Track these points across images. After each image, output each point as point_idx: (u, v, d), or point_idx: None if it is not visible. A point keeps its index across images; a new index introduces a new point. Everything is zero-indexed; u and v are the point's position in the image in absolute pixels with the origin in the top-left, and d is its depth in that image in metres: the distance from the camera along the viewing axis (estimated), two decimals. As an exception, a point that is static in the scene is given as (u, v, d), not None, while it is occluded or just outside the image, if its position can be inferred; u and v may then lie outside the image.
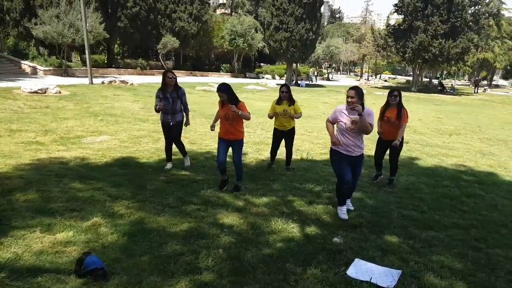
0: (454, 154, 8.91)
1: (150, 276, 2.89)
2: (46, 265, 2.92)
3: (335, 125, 4.34)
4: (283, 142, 6.29)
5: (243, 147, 5.25)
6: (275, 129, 6.25)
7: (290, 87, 6.35)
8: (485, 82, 50.42)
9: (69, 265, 2.95)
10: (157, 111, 5.52)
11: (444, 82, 44.79)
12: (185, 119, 5.90)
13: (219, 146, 5.03)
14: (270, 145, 6.44)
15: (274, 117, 6.11)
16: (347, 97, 4.02)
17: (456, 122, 15.97)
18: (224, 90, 4.73)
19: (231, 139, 4.94)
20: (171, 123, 5.69)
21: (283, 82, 32.05)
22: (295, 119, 6.11)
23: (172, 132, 5.81)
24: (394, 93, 5.46)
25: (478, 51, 36.51)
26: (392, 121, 5.45)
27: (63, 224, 3.63)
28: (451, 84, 41.24)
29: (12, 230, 3.43)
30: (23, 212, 3.83)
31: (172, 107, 5.60)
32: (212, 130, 5.16)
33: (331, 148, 4.35)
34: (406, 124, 5.45)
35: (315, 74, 38.68)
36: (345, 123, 4.11)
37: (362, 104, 3.99)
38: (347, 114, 4.11)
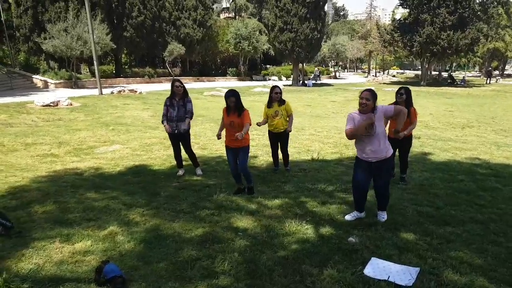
0: (468, 147, 8.77)
1: (168, 282, 2.93)
2: (67, 275, 2.99)
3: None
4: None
5: (251, 151, 5.23)
6: (269, 132, 6.19)
7: (298, 87, 6.34)
8: (497, 72, 49.50)
9: (89, 274, 3.01)
10: (162, 121, 5.78)
11: (454, 74, 44.17)
12: (186, 124, 5.79)
13: (229, 156, 5.07)
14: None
15: (265, 123, 6.08)
16: (361, 98, 3.84)
17: (468, 114, 15.72)
18: (234, 95, 4.77)
19: (237, 146, 4.93)
20: (175, 131, 5.74)
21: (289, 82, 32.04)
22: (286, 120, 6.05)
23: (181, 142, 5.87)
24: (401, 91, 5.44)
25: (488, 41, 35.96)
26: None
27: (81, 234, 3.70)
28: (462, 76, 40.60)
29: (33, 241, 3.51)
30: (42, 223, 3.92)
31: (177, 114, 5.67)
32: (218, 138, 5.10)
33: (356, 156, 4.21)
34: (416, 122, 5.42)
35: (317, 73, 38.03)
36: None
37: (374, 108, 3.85)
38: (360, 118, 3.90)
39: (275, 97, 5.96)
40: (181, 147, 5.96)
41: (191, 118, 5.83)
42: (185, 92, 5.73)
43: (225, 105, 4.97)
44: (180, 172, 6.00)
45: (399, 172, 5.80)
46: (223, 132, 5.10)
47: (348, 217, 4.22)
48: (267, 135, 6.37)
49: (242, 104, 4.90)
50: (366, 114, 3.86)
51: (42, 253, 3.30)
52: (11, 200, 4.59)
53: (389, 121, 5.62)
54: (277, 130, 6.06)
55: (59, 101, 13.91)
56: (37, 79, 22.29)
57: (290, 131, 6.13)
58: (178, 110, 5.66)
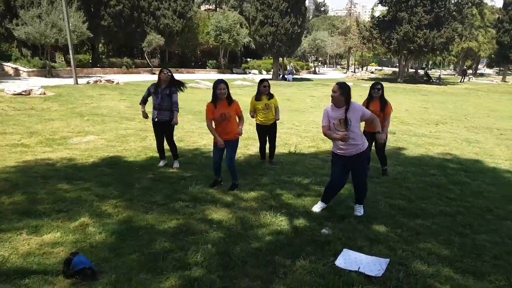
0: (440, 143, 9.04)
1: (139, 274, 2.89)
2: (34, 267, 2.89)
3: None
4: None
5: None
6: (257, 125, 6.22)
7: (278, 81, 6.41)
8: (470, 71, 51.14)
9: (57, 266, 2.93)
10: (141, 102, 5.83)
11: (430, 72, 45.31)
12: (174, 118, 5.73)
13: (215, 149, 4.88)
14: (258, 140, 6.43)
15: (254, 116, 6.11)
16: (331, 91, 3.94)
17: (442, 111, 16.20)
18: (225, 83, 4.71)
19: (227, 139, 4.80)
20: (156, 119, 5.65)
21: (269, 77, 32.04)
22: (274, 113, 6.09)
23: (164, 132, 5.78)
24: (377, 86, 5.53)
25: (462, 41, 37.10)
26: (377, 114, 5.47)
27: (50, 225, 3.59)
28: (438, 74, 41.72)
29: (-2, 233, 3.38)
30: (9, 214, 3.78)
31: (159, 103, 5.55)
32: (221, 145, 4.78)
33: (332, 150, 4.26)
34: (390, 116, 5.53)
35: (291, 69, 35.75)
36: (333, 123, 3.99)
37: (347, 99, 3.90)
38: (332, 112, 3.98)
39: (263, 90, 5.98)
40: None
41: (177, 110, 5.74)
42: (172, 82, 5.62)
43: (211, 100, 4.74)
44: (161, 163, 5.92)
45: (377, 168, 5.92)
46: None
47: (316, 209, 4.28)
48: (255, 128, 6.35)
49: (230, 94, 4.82)
50: (339, 108, 3.92)
51: (8, 245, 3.18)
52: (-24, 191, 4.40)
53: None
54: (267, 123, 6.08)
55: (31, 89, 13.39)
56: (8, 66, 21.36)
57: (279, 119, 6.17)
58: (162, 98, 5.54)
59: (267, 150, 6.33)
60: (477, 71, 55.29)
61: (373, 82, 6.04)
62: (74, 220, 3.73)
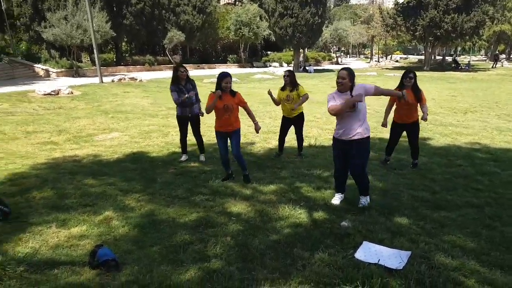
0: (469, 132, 8.71)
1: (161, 266, 2.97)
2: (62, 258, 3.04)
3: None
4: (292, 129, 6.27)
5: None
6: (283, 117, 6.24)
7: (299, 73, 6.35)
8: (503, 56, 48.72)
9: (83, 257, 3.06)
10: (180, 102, 5.62)
11: (459, 58, 43.57)
12: (200, 109, 5.92)
13: (220, 142, 4.91)
14: (278, 134, 6.43)
15: (280, 104, 6.10)
16: (338, 77, 3.87)
17: (471, 99, 15.57)
18: (231, 76, 4.72)
19: (229, 130, 4.82)
20: (189, 115, 5.78)
21: (290, 69, 31.76)
22: (302, 105, 6.05)
23: (191, 125, 5.92)
24: (410, 75, 5.27)
25: (494, 24, 35.33)
26: (410, 104, 5.30)
27: (77, 219, 3.74)
28: (468, 61, 40.03)
29: (30, 226, 3.56)
30: (40, 209, 3.98)
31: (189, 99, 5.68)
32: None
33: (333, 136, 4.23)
34: (426, 102, 5.38)
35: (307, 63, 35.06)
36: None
37: (352, 86, 3.86)
38: (338, 97, 3.92)
39: (285, 81, 5.96)
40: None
41: (200, 101, 5.86)
42: (188, 77, 5.74)
43: (215, 90, 4.69)
44: (183, 158, 6.05)
45: (398, 159, 5.79)
46: (212, 115, 4.85)
47: (335, 201, 4.24)
48: (279, 120, 6.36)
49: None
50: (344, 92, 3.88)
51: (39, 238, 3.35)
52: (10, 187, 4.64)
53: (394, 107, 5.57)
54: (290, 115, 6.07)
55: (60, 89, 13.92)
56: (39, 68, 22.25)
57: (295, 108, 6.00)
58: (188, 93, 5.67)
59: (285, 143, 6.31)
60: (511, 56, 52.59)
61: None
62: (99, 214, 3.87)
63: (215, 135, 6.05)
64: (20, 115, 10.14)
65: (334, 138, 4.16)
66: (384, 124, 5.76)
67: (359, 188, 4.18)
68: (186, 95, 5.60)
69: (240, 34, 32.16)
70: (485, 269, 2.95)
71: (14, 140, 7.40)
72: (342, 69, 3.94)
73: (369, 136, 4.02)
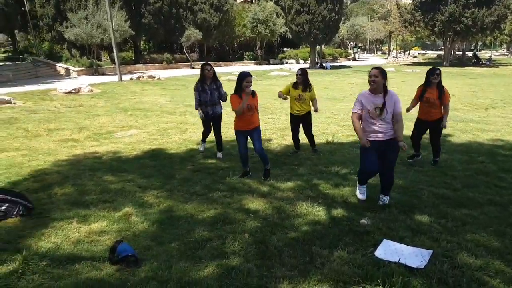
0: (490, 128, 8.46)
1: (179, 262, 2.99)
2: (83, 253, 3.09)
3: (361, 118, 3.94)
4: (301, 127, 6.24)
5: (265, 134, 5.17)
6: (291, 115, 6.21)
7: (316, 70, 6.31)
8: (526, 50, 47.13)
9: (103, 253, 3.11)
10: (196, 108, 5.89)
11: (479, 53, 42.35)
12: (222, 110, 6.04)
13: (240, 140, 4.94)
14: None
15: (284, 99, 6.09)
16: (370, 76, 3.75)
17: (493, 95, 15.12)
18: (250, 75, 4.73)
19: (251, 128, 4.86)
20: (211, 115, 5.84)
21: (307, 65, 31.55)
22: (310, 104, 6.02)
23: (213, 124, 6.01)
24: (437, 72, 5.18)
25: (517, 18, 34.11)
26: (432, 102, 5.22)
27: (97, 215, 3.81)
28: (489, 56, 38.85)
29: (52, 221, 3.65)
30: (61, 205, 4.07)
31: (211, 99, 5.75)
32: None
33: None
34: (449, 104, 5.29)
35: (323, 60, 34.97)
36: (368, 110, 3.82)
37: (385, 85, 3.77)
38: (367, 100, 3.80)
39: (298, 79, 5.92)
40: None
41: (225, 101, 5.92)
42: (215, 75, 5.79)
43: (235, 91, 4.72)
44: (201, 148, 6.26)
45: (424, 156, 5.68)
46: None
47: (361, 196, 4.13)
48: (289, 118, 6.35)
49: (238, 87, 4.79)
50: (377, 94, 3.77)
51: (60, 233, 3.43)
52: (33, 183, 4.77)
53: (418, 104, 5.45)
54: (298, 113, 6.06)
55: (80, 88, 14.24)
56: (60, 67, 22.83)
57: (317, 110, 6.11)
58: (211, 94, 5.74)
59: (301, 140, 6.28)
60: (535, 50, 50.77)
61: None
62: (119, 210, 3.93)
63: (233, 133, 6.09)
64: (42, 113, 10.41)
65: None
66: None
67: (384, 186, 4.09)
68: (200, 112, 5.84)
69: (257, 31, 32.15)
70: (511, 269, 2.85)
71: (37, 137, 7.60)
72: (374, 68, 3.83)
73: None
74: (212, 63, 5.96)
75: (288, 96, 6.04)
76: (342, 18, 36.29)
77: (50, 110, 10.94)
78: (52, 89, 14.58)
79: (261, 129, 5.06)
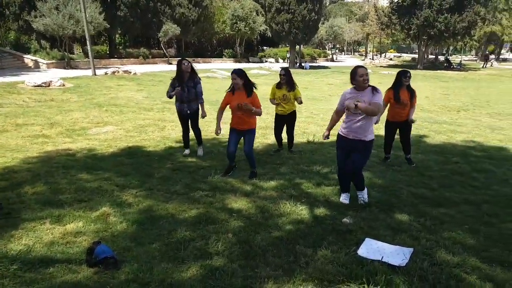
0: (462, 130, 8.78)
1: (161, 263, 2.90)
2: (58, 256, 2.94)
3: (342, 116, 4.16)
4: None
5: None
6: (276, 114, 6.21)
7: (295, 70, 6.31)
8: (492, 56, 49.25)
9: (80, 255, 2.97)
10: (169, 97, 5.59)
11: (451, 58, 43.92)
12: (200, 109, 5.81)
13: (231, 136, 4.91)
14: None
15: (277, 104, 6.04)
16: (361, 76, 3.78)
17: (464, 98, 15.72)
18: (239, 73, 4.64)
19: (244, 129, 4.83)
20: (188, 111, 5.70)
21: (286, 65, 31.71)
22: (295, 103, 6.01)
23: (191, 120, 5.85)
24: (409, 74, 5.39)
25: (485, 24, 35.65)
26: (405, 103, 5.38)
27: (73, 215, 3.64)
28: (459, 60, 40.35)
29: (23, 222, 3.45)
30: (32, 204, 3.86)
31: (187, 96, 5.59)
32: (217, 134, 5.00)
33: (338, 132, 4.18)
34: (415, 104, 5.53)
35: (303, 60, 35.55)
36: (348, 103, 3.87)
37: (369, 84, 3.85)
38: (355, 96, 3.86)
39: (282, 79, 5.89)
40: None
41: (203, 101, 5.81)
42: (193, 71, 5.62)
43: (229, 88, 4.80)
44: (187, 152, 6.01)
45: (397, 156, 5.80)
46: (228, 115, 4.93)
47: (345, 201, 4.16)
48: (274, 117, 6.33)
49: (252, 84, 4.73)
50: (362, 91, 3.83)
51: (32, 234, 3.25)
52: (0, 181, 4.51)
53: (388, 106, 5.57)
54: (283, 113, 6.04)
55: (51, 81, 13.64)
56: (28, 58, 21.79)
57: (301, 102, 6.04)
58: (188, 91, 5.58)
59: (284, 139, 6.28)
60: (500, 56, 53.14)
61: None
62: (96, 210, 3.78)
63: (212, 131, 6.00)
64: (9, 107, 9.90)
65: (338, 135, 4.13)
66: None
67: (355, 183, 4.17)
68: (173, 92, 5.47)
69: (236, 28, 31.95)
70: (486, 265, 2.94)
71: (3, 133, 7.21)
72: (360, 66, 3.88)
73: (372, 140, 3.99)
74: (190, 59, 5.75)
75: (279, 101, 5.98)
76: (322, 19, 36.65)
77: (18, 104, 10.42)
78: (20, 82, 13.89)
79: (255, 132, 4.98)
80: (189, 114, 5.74)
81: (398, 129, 5.68)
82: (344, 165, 4.09)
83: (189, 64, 5.57)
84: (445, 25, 29.95)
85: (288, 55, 35.76)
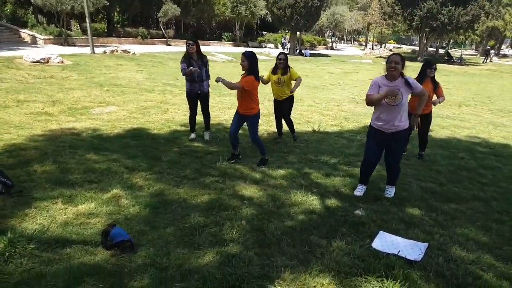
0: (466, 125, 8.80)
1: (177, 248, 2.89)
2: (73, 237, 2.92)
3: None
4: None
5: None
6: (274, 100, 6.17)
7: (295, 56, 6.23)
8: (492, 51, 49.23)
9: (95, 236, 2.94)
10: (185, 74, 5.44)
11: (451, 51, 43.81)
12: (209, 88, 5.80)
13: (233, 118, 4.93)
14: None
15: (266, 84, 5.99)
16: (390, 62, 3.64)
17: (464, 93, 15.74)
18: (248, 55, 4.56)
19: (243, 113, 4.77)
20: (198, 92, 5.61)
21: (286, 51, 31.39)
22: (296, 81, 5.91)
23: (201, 103, 5.77)
24: (434, 67, 5.30)
25: (489, 19, 35.46)
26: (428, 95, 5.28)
27: (84, 196, 3.60)
28: (460, 54, 40.25)
29: (35, 201, 3.41)
30: (43, 183, 3.81)
31: (198, 74, 5.51)
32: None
33: (370, 123, 4.06)
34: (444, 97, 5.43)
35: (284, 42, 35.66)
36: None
37: (402, 74, 3.73)
38: (386, 85, 3.71)
39: (279, 64, 5.81)
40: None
41: (209, 78, 5.76)
42: (199, 51, 5.54)
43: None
44: (192, 136, 5.93)
45: (409, 149, 5.78)
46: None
47: (357, 193, 4.14)
48: (272, 103, 6.29)
49: (256, 70, 4.63)
50: (394, 80, 3.71)
51: (46, 214, 3.21)
52: (8, 158, 4.42)
53: (409, 96, 5.50)
54: (280, 98, 5.99)
55: (49, 58, 13.33)
56: (25, 33, 21.26)
57: (293, 92, 5.95)
58: (199, 69, 5.49)
59: (285, 128, 6.26)
60: (500, 52, 53.13)
61: (426, 60, 5.81)
62: (107, 192, 3.74)
63: (216, 115, 5.91)
64: (8, 82, 9.68)
65: (372, 128, 3.96)
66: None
67: (390, 178, 4.14)
68: (192, 68, 5.35)
69: (237, 11, 31.45)
70: (501, 263, 2.97)
71: (5, 109, 7.07)
72: (394, 54, 3.76)
73: (409, 127, 3.92)
74: (196, 40, 5.60)
75: (274, 84, 5.91)
76: (323, 6, 36.17)
77: (17, 79, 10.20)
78: (18, 56, 13.56)
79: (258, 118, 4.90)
80: (199, 94, 5.64)
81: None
82: (374, 157, 4.00)
83: (194, 44, 5.45)
84: (449, 18, 29.72)
85: (283, 41, 35.53)
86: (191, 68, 5.36)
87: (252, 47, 34.48)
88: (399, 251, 2.94)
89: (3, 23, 21.93)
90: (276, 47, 36.47)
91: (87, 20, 17.85)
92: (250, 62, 4.54)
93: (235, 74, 4.87)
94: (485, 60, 37.75)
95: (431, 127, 8.11)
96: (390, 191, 4.15)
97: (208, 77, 5.73)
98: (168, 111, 7.91)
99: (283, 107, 6.09)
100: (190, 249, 2.89)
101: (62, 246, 2.76)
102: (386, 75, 3.77)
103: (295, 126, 6.32)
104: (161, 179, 4.19)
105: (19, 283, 2.34)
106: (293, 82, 5.90)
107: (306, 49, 33.70)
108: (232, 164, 4.85)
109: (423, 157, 5.71)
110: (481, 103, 13.25)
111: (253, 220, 3.40)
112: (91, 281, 2.41)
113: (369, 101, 3.78)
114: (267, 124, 7.31)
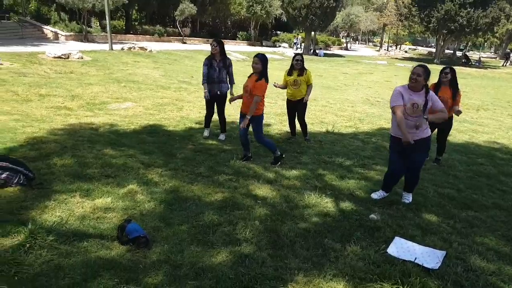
0: (484, 130, 8.62)
1: (191, 246, 2.90)
2: (90, 230, 2.96)
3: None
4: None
5: (263, 121, 4.94)
6: (287, 100, 6.16)
7: (309, 56, 6.22)
8: (512, 55, 48.09)
9: (111, 231, 2.98)
10: (204, 82, 5.57)
11: (468, 54, 42.94)
12: (229, 90, 5.78)
13: (240, 119, 4.89)
14: None
15: (284, 88, 6.05)
16: (412, 74, 3.61)
17: (483, 96, 15.41)
18: (262, 58, 4.56)
19: (245, 113, 4.72)
20: (218, 92, 5.63)
21: (300, 51, 31.27)
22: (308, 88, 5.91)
23: (217, 104, 5.78)
24: (446, 70, 5.17)
25: (509, 22, 34.63)
26: (445, 101, 5.06)
27: (101, 190, 3.65)
28: (478, 57, 39.42)
29: (54, 194, 3.47)
30: (62, 176, 3.87)
31: (218, 76, 5.55)
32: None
33: (390, 134, 3.97)
34: (459, 105, 5.25)
35: (296, 41, 35.65)
36: (405, 105, 3.63)
37: (426, 86, 3.66)
38: (407, 95, 3.64)
39: (295, 65, 5.80)
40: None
41: (234, 83, 5.81)
42: (223, 52, 5.57)
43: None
44: (206, 134, 5.97)
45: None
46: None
47: (375, 196, 4.10)
48: (285, 103, 6.28)
49: (266, 74, 4.61)
50: (416, 92, 3.65)
51: (64, 207, 3.26)
52: (30, 151, 4.51)
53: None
54: (294, 99, 5.99)
55: (70, 53, 13.61)
56: (48, 29, 21.75)
57: (307, 101, 5.99)
58: (219, 71, 5.54)
59: (298, 127, 6.24)
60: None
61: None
62: (123, 187, 3.78)
63: (229, 114, 5.95)
64: (31, 76, 9.90)
65: (393, 138, 3.87)
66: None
67: (408, 185, 4.06)
68: (205, 91, 5.54)
69: (252, 11, 31.46)
70: (522, 276, 2.89)
71: (28, 102, 7.23)
72: (419, 65, 3.69)
73: (430, 134, 3.85)
74: (204, 40, 5.67)
75: (290, 86, 5.91)
76: (339, 6, 35.90)
77: (40, 74, 10.43)
78: (40, 52, 13.87)
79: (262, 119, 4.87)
80: (219, 95, 5.65)
81: (436, 128, 5.51)
82: (400, 169, 3.92)
83: (218, 45, 5.49)
84: (467, 20, 29.14)
85: (295, 41, 35.36)
86: (205, 91, 5.53)
87: (267, 46, 34.50)
88: (415, 258, 2.89)
89: (27, 20, 22.46)
90: (291, 46, 36.37)
91: (107, 17, 18.15)
92: (263, 65, 4.55)
93: (248, 73, 4.87)
94: (505, 63, 36.91)
95: (449, 132, 8.01)
96: (408, 198, 4.08)
97: (232, 81, 5.73)
98: (183, 108, 7.97)
99: (298, 109, 6.08)
100: (203, 248, 2.90)
101: (79, 239, 2.80)
102: (408, 85, 3.71)
103: (310, 127, 6.29)
104: (176, 176, 4.22)
105: (38, 275, 2.38)
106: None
107: (320, 49, 33.52)
108: (245, 163, 4.85)
109: (440, 162, 5.60)
110: (501, 107, 12.96)
111: (266, 221, 3.39)
112: (107, 275, 2.44)
113: (399, 120, 3.61)
114: (280, 124, 7.29)
